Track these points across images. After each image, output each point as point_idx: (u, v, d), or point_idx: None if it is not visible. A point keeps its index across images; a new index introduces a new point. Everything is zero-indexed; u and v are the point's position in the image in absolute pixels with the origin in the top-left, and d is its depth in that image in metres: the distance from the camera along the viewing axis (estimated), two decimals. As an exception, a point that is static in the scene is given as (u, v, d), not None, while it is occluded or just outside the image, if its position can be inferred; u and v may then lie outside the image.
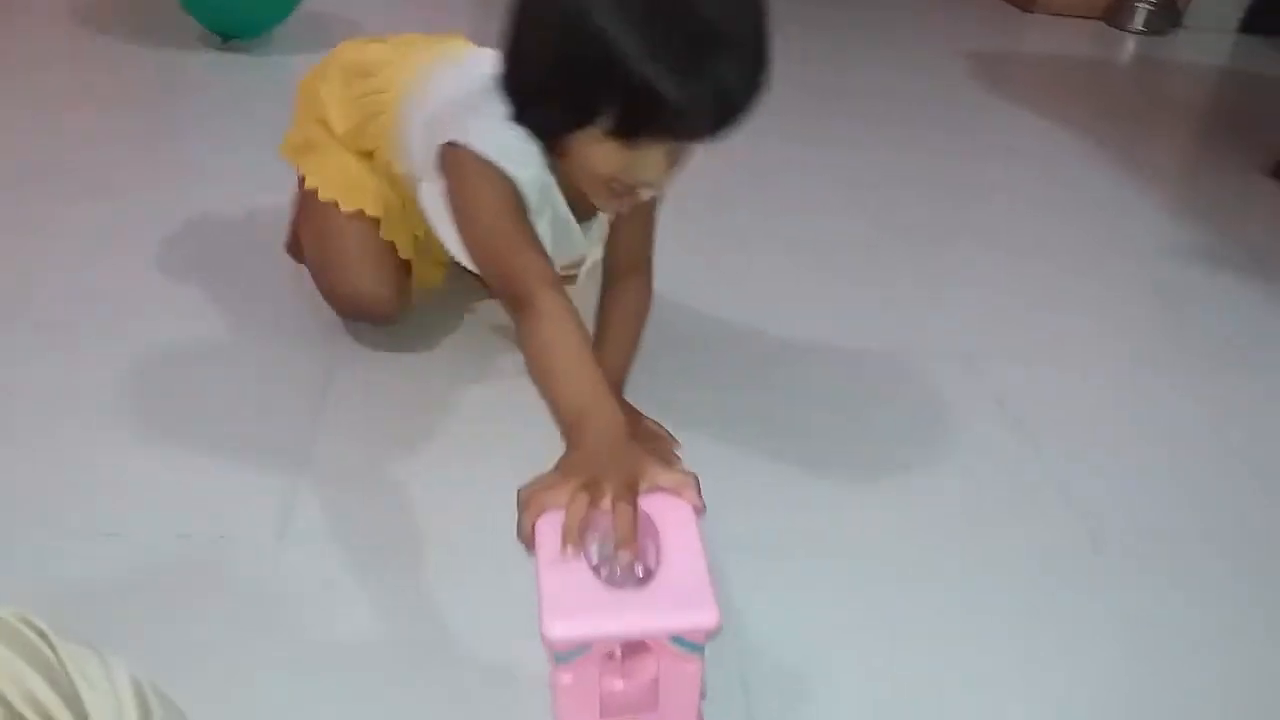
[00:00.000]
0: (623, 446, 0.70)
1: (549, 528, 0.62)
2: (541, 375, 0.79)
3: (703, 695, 0.68)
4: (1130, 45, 2.91)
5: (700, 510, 0.66)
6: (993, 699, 0.81)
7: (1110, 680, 0.84)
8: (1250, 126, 2.22)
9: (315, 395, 1.05)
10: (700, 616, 0.58)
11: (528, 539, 0.64)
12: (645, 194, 0.92)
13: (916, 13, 2.81)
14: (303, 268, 1.16)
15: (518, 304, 0.85)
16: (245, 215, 1.37)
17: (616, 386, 1.04)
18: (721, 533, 0.94)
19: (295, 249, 1.19)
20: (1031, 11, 3.03)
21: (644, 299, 1.06)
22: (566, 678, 0.59)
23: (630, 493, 0.64)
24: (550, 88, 0.84)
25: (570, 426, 0.73)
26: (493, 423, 1.05)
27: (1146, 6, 2.95)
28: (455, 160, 0.90)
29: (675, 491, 0.66)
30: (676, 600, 0.59)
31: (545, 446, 0.72)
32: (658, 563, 0.62)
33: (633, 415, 1.01)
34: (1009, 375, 1.23)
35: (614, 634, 0.59)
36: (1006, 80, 2.43)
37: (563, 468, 0.68)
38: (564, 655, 0.58)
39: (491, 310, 1.20)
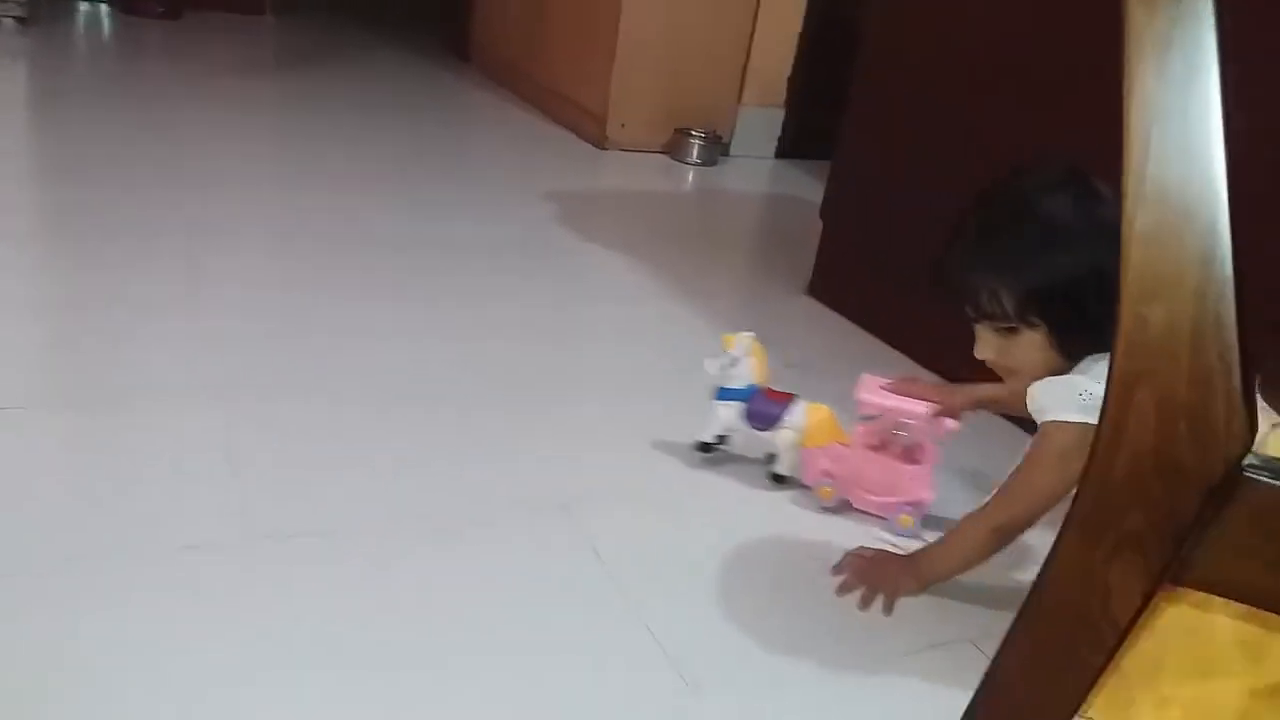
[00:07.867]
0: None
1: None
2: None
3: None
4: (689, 175, 3.32)
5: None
6: None
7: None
8: (789, 247, 2.60)
9: None
10: (939, 425, 1.34)
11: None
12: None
13: (497, 159, 3.01)
14: None
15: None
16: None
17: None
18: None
19: None
20: (605, 149, 3.36)
21: (970, 533, 1.21)
22: (866, 429, 1.36)
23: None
24: None
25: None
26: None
27: (698, 141, 3.39)
28: None
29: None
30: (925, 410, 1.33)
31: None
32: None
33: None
34: (600, 519, 1.35)
35: (891, 407, 1.33)
36: (586, 218, 2.68)
37: None
38: (866, 418, 1.34)
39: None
